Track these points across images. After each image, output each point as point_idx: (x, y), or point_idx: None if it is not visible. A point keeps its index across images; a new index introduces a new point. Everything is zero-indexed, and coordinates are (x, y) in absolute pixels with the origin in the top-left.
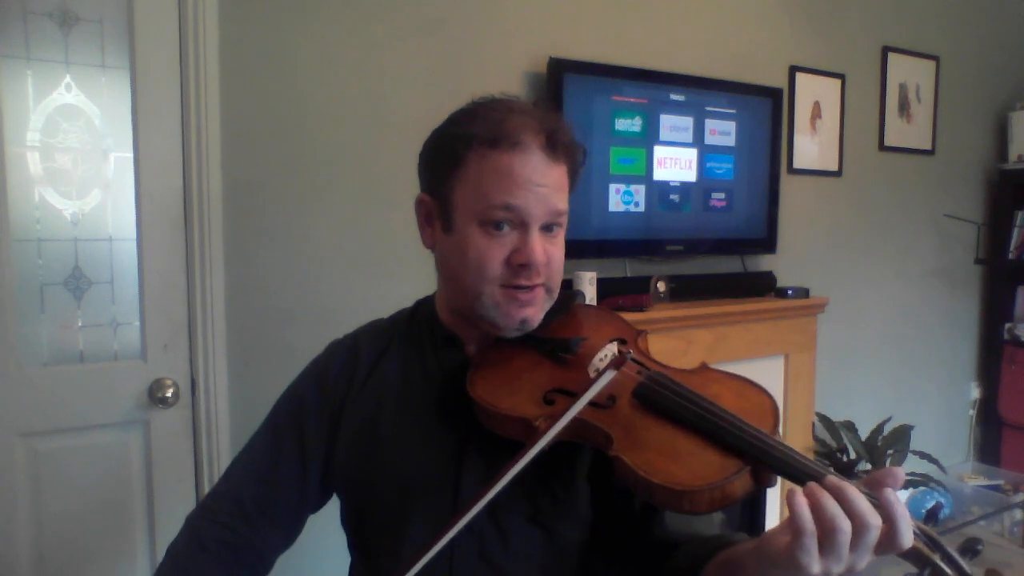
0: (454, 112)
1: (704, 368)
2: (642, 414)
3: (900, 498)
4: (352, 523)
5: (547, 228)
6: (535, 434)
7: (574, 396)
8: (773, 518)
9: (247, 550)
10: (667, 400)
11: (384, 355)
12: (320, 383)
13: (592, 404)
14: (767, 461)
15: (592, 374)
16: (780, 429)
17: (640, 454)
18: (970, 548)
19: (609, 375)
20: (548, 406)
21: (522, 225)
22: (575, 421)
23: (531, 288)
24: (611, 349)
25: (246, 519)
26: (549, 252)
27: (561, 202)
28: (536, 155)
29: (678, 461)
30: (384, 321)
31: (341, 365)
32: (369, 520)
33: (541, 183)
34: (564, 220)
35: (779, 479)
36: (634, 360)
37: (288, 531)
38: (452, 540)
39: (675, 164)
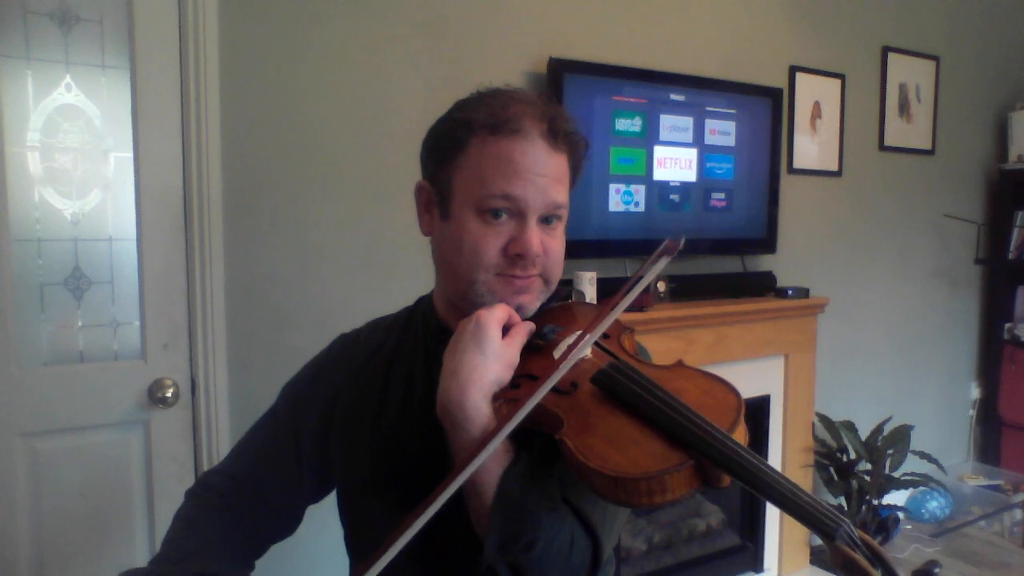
0: (458, 100)
1: (678, 365)
2: (599, 402)
3: None
4: (346, 516)
5: (546, 220)
6: (496, 416)
7: (538, 379)
8: (773, 522)
9: (245, 522)
10: (623, 388)
11: (382, 348)
12: (316, 374)
13: (553, 389)
14: (714, 457)
15: (557, 357)
16: (743, 428)
17: (584, 439)
18: (927, 571)
19: (580, 352)
20: (513, 390)
21: (520, 215)
22: (535, 405)
23: (527, 276)
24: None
25: (242, 497)
26: (547, 244)
27: (560, 194)
28: (537, 143)
29: (620, 449)
30: (387, 317)
31: (339, 357)
32: (360, 512)
33: (541, 173)
34: (564, 213)
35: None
36: (602, 348)
37: (284, 519)
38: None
39: (675, 164)
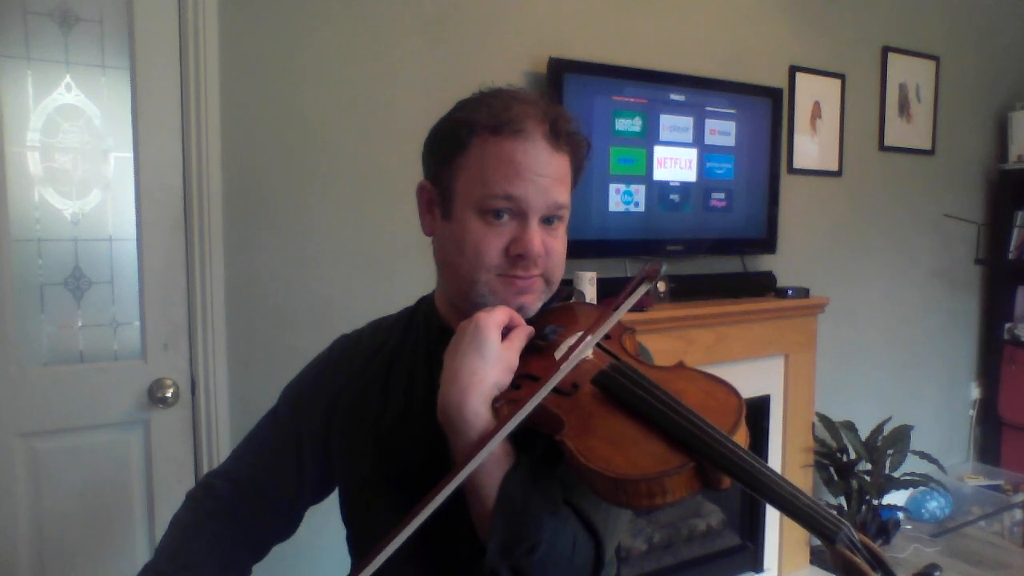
0: (460, 100)
1: (680, 366)
2: (600, 403)
3: None
4: (348, 516)
5: (547, 221)
6: (496, 417)
7: (539, 381)
8: (773, 522)
9: (245, 526)
10: (623, 389)
11: (383, 348)
12: (317, 375)
13: (554, 390)
14: (715, 459)
15: (558, 359)
16: (744, 430)
17: (585, 440)
18: (927, 575)
19: (575, 359)
20: (514, 390)
21: (521, 215)
22: (536, 407)
23: (528, 277)
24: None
25: (244, 499)
26: (548, 244)
27: (562, 194)
28: (539, 143)
29: (621, 450)
30: (389, 317)
31: (340, 357)
32: (363, 512)
33: (543, 173)
34: (565, 214)
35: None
36: (604, 349)
37: (286, 520)
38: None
39: (675, 164)
